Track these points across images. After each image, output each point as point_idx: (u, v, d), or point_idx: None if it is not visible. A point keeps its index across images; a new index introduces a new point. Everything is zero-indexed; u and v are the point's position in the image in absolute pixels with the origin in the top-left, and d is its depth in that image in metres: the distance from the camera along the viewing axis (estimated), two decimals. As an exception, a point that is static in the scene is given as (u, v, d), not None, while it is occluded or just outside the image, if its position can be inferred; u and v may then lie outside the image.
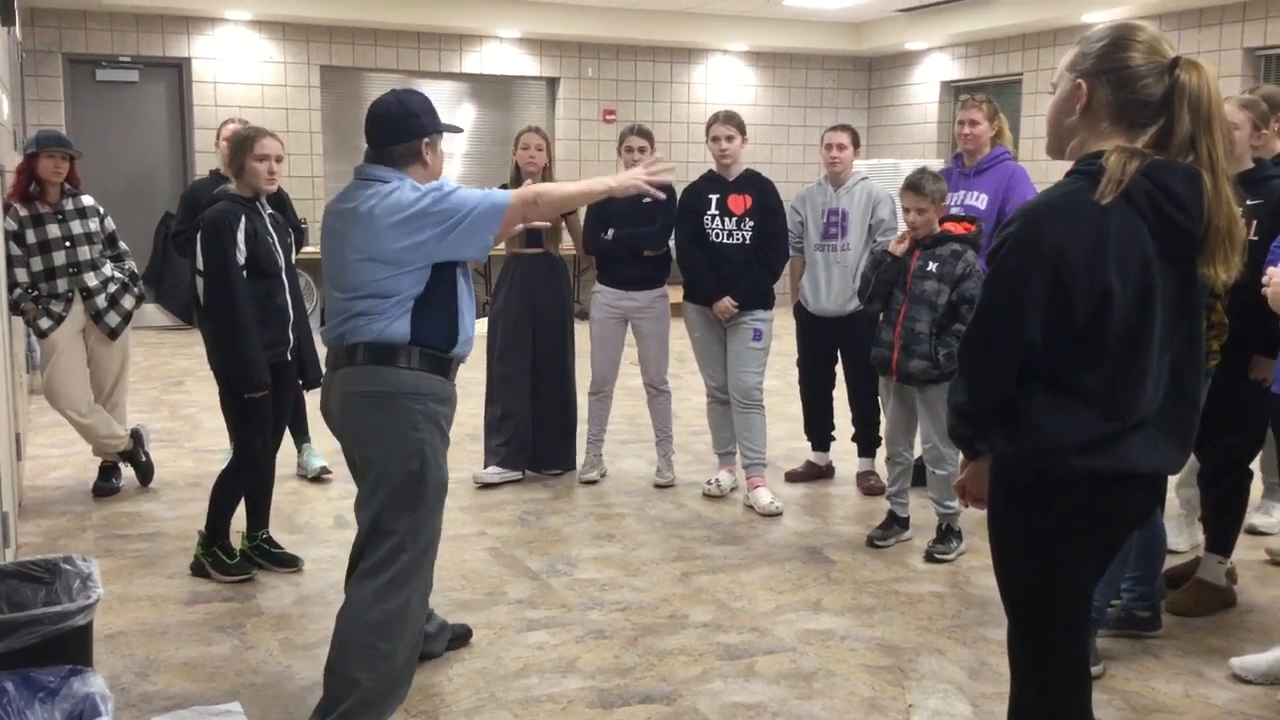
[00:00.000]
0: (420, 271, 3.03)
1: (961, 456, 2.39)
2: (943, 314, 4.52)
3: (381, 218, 2.99)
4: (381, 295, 3.02)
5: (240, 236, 4.11)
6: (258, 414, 4.25)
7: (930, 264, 4.56)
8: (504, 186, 5.87)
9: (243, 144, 4.21)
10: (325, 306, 3.21)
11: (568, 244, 6.07)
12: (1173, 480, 4.50)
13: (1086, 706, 2.28)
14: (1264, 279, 3.39)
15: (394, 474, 3.05)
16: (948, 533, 4.70)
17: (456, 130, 3.33)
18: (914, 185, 4.57)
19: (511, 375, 5.77)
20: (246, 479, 4.37)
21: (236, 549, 4.43)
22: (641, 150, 5.50)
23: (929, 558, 4.65)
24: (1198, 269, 2.09)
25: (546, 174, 5.73)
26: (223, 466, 4.50)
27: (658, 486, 5.73)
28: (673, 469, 5.81)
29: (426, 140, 3.12)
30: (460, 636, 3.75)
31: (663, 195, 3.39)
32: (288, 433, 4.92)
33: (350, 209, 3.06)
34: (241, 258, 4.11)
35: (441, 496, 3.17)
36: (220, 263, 4.08)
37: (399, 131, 3.10)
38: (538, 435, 5.86)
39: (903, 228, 4.73)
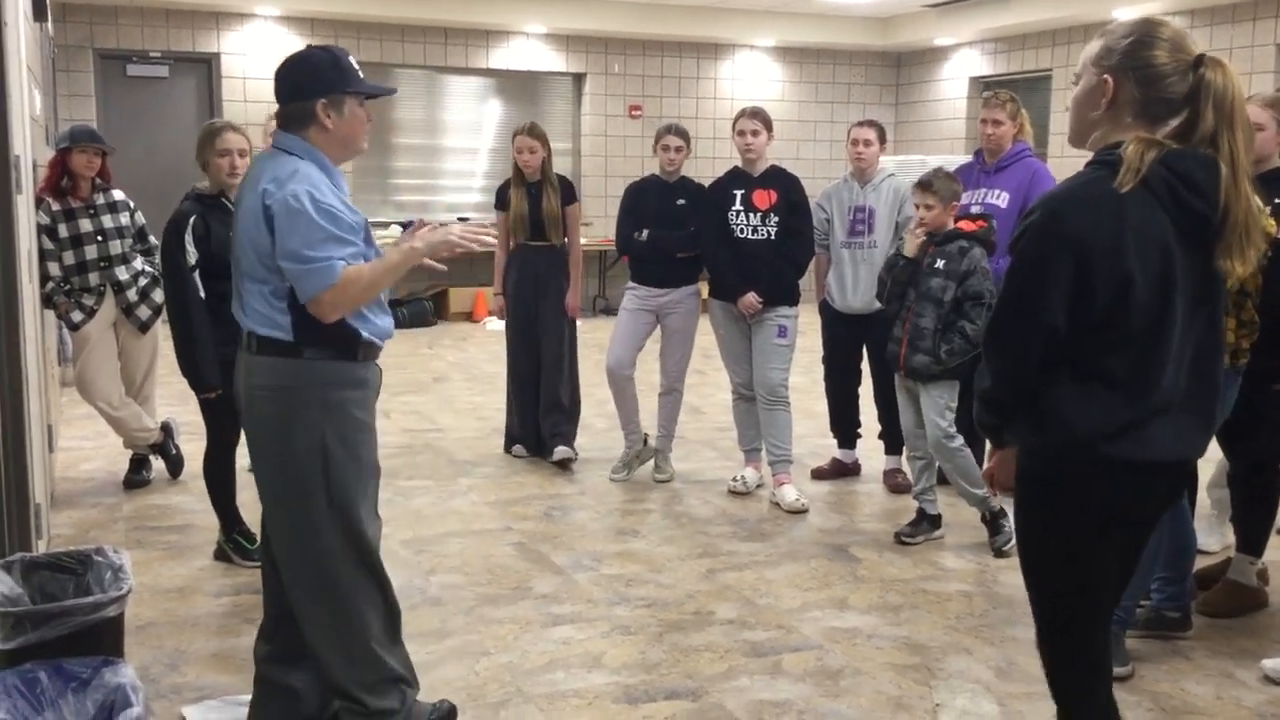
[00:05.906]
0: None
1: (990, 445, 2.41)
2: (948, 310, 4.54)
3: (266, 194, 2.69)
4: (255, 280, 2.73)
5: (189, 238, 4.14)
6: (217, 410, 4.24)
7: (939, 261, 4.58)
8: (505, 185, 5.95)
9: (207, 137, 4.26)
10: None
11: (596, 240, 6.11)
12: (1203, 480, 4.48)
13: (1109, 697, 2.30)
14: None
15: (297, 477, 2.75)
16: (995, 519, 4.68)
17: (386, 93, 3.03)
18: (923, 183, 4.63)
19: (517, 361, 5.99)
20: (223, 461, 4.42)
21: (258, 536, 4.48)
22: (679, 150, 5.53)
23: (999, 554, 4.62)
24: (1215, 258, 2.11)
25: (545, 167, 5.87)
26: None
27: (658, 482, 5.73)
28: (670, 464, 5.83)
29: (324, 101, 2.74)
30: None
31: (477, 248, 2.90)
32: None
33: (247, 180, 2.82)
34: (191, 259, 4.14)
35: (362, 486, 2.82)
36: (170, 264, 4.15)
37: (291, 89, 2.78)
38: (539, 419, 6.03)
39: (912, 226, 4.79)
